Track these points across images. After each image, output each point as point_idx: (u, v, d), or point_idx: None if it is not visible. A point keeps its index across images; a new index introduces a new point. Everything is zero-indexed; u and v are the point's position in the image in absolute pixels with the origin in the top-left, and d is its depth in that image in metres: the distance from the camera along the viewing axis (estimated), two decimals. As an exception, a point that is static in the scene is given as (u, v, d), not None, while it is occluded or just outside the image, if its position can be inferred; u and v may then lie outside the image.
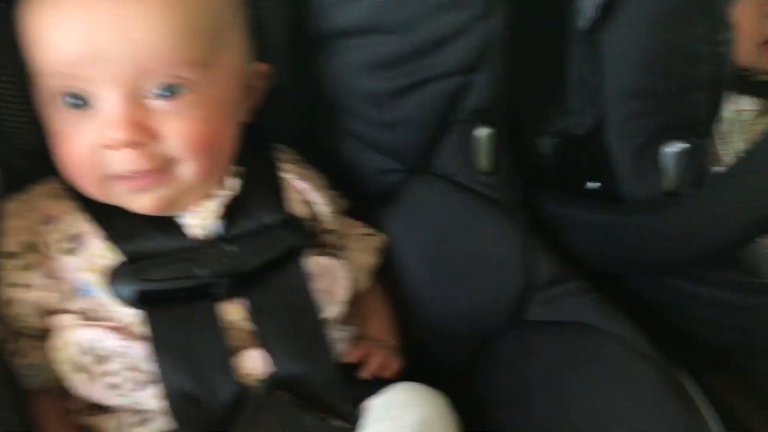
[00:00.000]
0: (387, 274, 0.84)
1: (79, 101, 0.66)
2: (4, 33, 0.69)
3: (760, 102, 0.95)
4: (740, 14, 0.90)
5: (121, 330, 0.68)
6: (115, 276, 0.68)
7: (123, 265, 0.69)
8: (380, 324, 0.83)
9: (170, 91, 0.66)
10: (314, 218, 0.79)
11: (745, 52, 0.93)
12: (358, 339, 0.80)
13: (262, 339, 0.69)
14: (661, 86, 0.76)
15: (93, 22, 0.63)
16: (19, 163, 0.75)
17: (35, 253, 0.70)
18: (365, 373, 0.75)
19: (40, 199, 0.73)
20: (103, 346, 0.67)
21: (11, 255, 0.70)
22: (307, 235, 0.75)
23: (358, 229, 0.85)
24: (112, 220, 0.71)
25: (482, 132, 0.78)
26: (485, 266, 0.77)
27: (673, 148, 0.78)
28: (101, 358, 0.68)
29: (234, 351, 0.69)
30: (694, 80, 0.76)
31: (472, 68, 0.74)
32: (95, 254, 0.70)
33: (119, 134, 0.64)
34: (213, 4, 0.69)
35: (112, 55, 0.63)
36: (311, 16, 0.77)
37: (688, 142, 0.78)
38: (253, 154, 0.77)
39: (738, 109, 0.95)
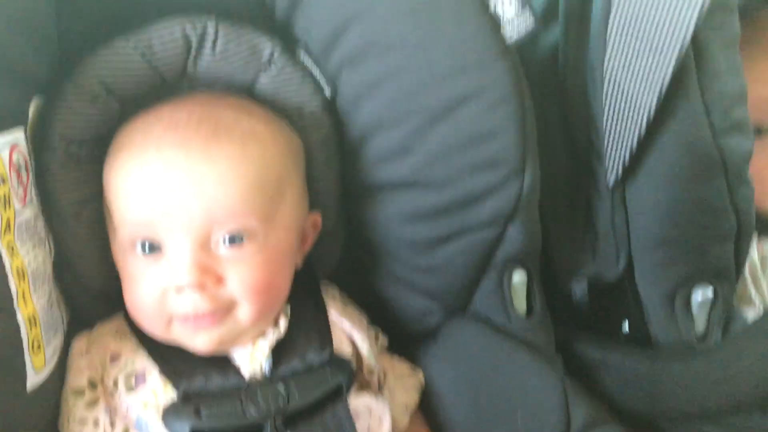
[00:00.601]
0: (426, 412, 0.86)
1: (152, 248, 0.72)
2: (86, 187, 0.77)
3: (785, 245, 0.99)
4: (760, 165, 0.95)
5: (177, 464, 0.72)
6: (171, 413, 0.72)
7: (178, 403, 0.73)
8: (423, 457, 0.85)
9: (235, 239, 0.72)
10: (357, 356, 0.83)
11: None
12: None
13: (310, 477, 0.72)
14: (685, 237, 0.80)
15: (170, 178, 0.71)
16: (89, 304, 0.82)
17: (100, 389, 0.75)
18: None
19: (106, 336, 0.79)
20: (161, 479, 0.71)
21: (78, 392, 0.75)
22: (351, 374, 0.78)
23: (399, 367, 0.88)
24: (171, 358, 0.76)
25: (517, 277, 0.82)
26: (523, 409, 0.79)
27: (701, 295, 0.82)
28: (160, 491, 0.71)
29: (283, 488, 0.71)
30: (717, 232, 0.80)
31: (507, 220, 0.79)
32: (154, 391, 0.74)
33: (189, 278, 0.70)
34: (276, 162, 0.76)
35: (186, 208, 0.70)
36: (359, 169, 0.84)
37: (715, 288, 0.82)
38: (302, 294, 0.82)
39: (763, 253, 0.99)
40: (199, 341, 0.75)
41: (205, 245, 0.72)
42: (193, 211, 0.70)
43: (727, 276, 0.83)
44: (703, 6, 0.67)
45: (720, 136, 0.76)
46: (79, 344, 0.78)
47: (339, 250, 0.93)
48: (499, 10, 0.73)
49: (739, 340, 0.73)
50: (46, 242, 0.75)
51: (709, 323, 0.83)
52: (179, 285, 0.71)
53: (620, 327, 0.89)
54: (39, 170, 0.75)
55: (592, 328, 0.90)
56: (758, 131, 0.91)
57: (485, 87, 0.74)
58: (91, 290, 0.81)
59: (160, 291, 0.72)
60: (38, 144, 0.74)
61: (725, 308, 0.84)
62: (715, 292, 0.82)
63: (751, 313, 0.92)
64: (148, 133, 0.74)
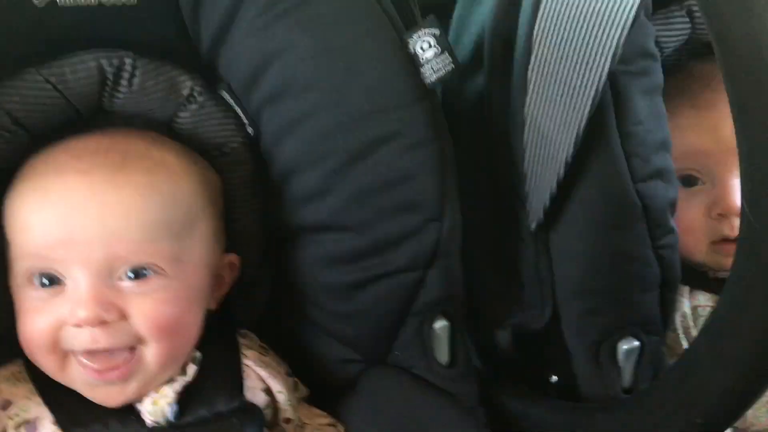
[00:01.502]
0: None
1: (51, 281, 0.69)
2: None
3: (716, 298, 0.98)
4: (691, 215, 0.95)
5: None
6: (60, 466, 0.68)
7: (70, 454, 0.69)
8: None
9: (139, 273, 0.69)
10: (274, 406, 0.79)
11: (699, 250, 0.97)
12: None
13: None
14: (609, 286, 0.79)
15: (72, 207, 0.68)
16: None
17: (-12, 438, 0.71)
18: None
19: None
20: None
21: (-36, 441, 0.70)
22: (262, 424, 0.75)
23: (318, 418, 0.84)
24: (67, 405, 0.72)
25: (439, 324, 0.80)
26: (443, 461, 0.77)
27: (627, 346, 0.80)
28: None
29: None
30: (639, 281, 0.79)
31: (426, 265, 0.77)
32: (45, 441, 0.70)
33: (86, 313, 0.67)
34: (187, 195, 0.74)
35: (87, 238, 0.67)
36: (280, 210, 0.82)
37: (641, 339, 0.81)
38: (215, 340, 0.79)
39: (695, 304, 0.98)
40: (104, 394, 0.71)
41: (106, 278, 0.69)
42: (93, 242, 0.68)
43: (654, 327, 0.82)
44: (616, 49, 0.67)
45: (640, 183, 0.76)
46: (-29, 391, 0.74)
47: (263, 298, 0.90)
48: (419, 51, 0.72)
49: (660, 386, 0.71)
50: (-59, 281, 0.71)
51: (636, 376, 0.82)
52: (77, 320, 0.67)
53: (549, 378, 0.87)
54: (-64, 204, 0.71)
55: (517, 380, 0.88)
56: (688, 181, 0.91)
57: (402, 129, 0.74)
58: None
59: (55, 324, 0.68)
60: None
61: (653, 360, 0.83)
62: (642, 344, 0.81)
63: (684, 367, 0.90)
64: (51, 162, 0.71)
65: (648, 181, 0.76)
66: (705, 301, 0.98)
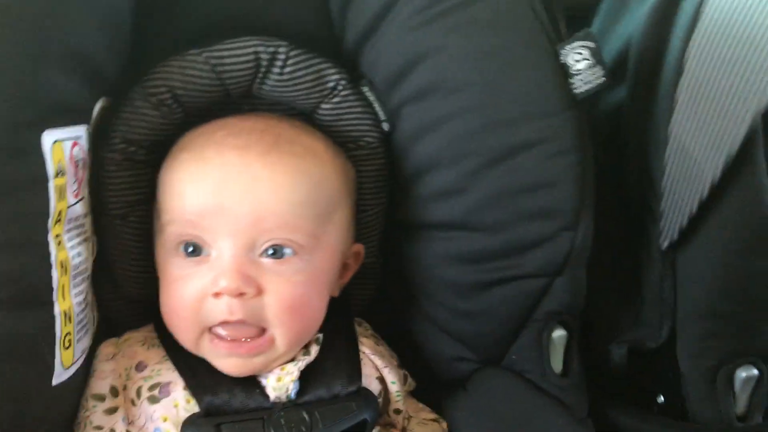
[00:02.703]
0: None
1: (196, 250, 0.72)
2: (137, 189, 0.78)
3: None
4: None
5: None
6: (191, 427, 0.71)
7: (198, 417, 0.72)
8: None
9: (279, 251, 0.72)
10: (385, 395, 0.81)
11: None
12: None
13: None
14: (736, 311, 0.78)
15: (226, 178, 0.71)
16: (121, 310, 0.82)
17: (121, 397, 0.74)
18: None
19: (134, 345, 0.78)
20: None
21: (99, 397, 0.74)
22: (377, 411, 0.77)
23: (423, 413, 0.85)
24: (197, 372, 0.74)
25: (557, 333, 0.80)
26: (550, 468, 0.77)
27: (745, 373, 0.79)
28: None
29: None
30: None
31: (555, 273, 0.77)
32: (176, 404, 0.73)
33: (228, 282, 0.69)
34: (331, 182, 0.77)
35: (236, 209, 0.70)
36: (409, 206, 0.83)
37: (760, 369, 0.79)
38: (335, 325, 0.81)
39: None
40: (229, 364, 0.73)
41: (249, 252, 0.71)
42: (243, 213, 0.70)
43: (773, 357, 0.80)
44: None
45: (783, 212, 0.75)
46: (107, 349, 0.77)
47: (375, 287, 0.92)
48: (570, 62, 0.73)
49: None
50: (91, 241, 0.75)
51: (750, 404, 0.81)
52: (218, 290, 0.70)
53: (655, 397, 0.86)
54: (95, 168, 0.75)
55: (625, 396, 0.87)
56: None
57: (549, 136, 0.74)
58: (126, 296, 0.81)
59: (198, 295, 0.71)
60: (98, 143, 0.75)
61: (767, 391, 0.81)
62: (761, 373, 0.79)
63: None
64: (210, 137, 0.74)
65: (791, 210, 0.75)
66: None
